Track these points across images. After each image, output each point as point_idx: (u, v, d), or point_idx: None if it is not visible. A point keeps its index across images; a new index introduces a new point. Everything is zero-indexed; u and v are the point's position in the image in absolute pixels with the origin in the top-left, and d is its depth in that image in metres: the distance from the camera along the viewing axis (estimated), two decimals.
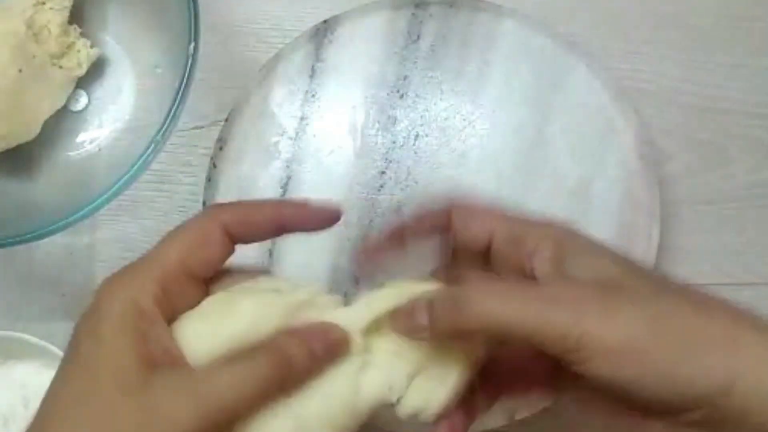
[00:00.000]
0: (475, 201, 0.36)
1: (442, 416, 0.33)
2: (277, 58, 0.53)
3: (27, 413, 0.48)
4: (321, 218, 0.37)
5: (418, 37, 0.54)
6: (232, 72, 0.54)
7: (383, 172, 0.53)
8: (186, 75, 0.45)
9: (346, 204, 0.52)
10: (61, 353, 0.45)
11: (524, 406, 0.49)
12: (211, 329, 0.32)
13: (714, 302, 0.31)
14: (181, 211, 0.53)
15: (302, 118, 0.53)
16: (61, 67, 0.51)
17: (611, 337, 0.29)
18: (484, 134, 0.53)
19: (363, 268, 0.36)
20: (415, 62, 0.53)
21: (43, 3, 0.50)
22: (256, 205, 0.36)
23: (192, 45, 0.45)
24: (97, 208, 0.44)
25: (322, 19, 0.54)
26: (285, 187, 0.52)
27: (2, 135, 0.49)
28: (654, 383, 0.29)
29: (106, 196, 0.44)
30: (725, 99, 0.56)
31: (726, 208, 0.55)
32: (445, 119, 0.53)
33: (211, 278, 0.34)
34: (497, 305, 0.30)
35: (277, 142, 0.53)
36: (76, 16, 0.52)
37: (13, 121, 0.49)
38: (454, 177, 0.52)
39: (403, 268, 0.36)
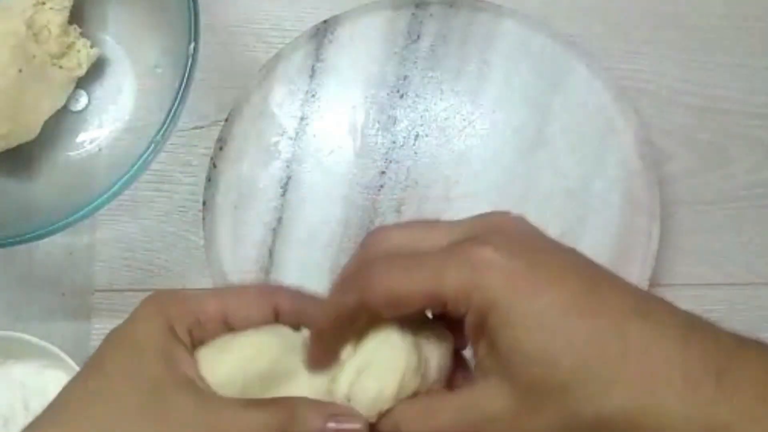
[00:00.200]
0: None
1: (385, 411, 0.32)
2: (277, 58, 0.53)
3: (27, 413, 0.48)
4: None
5: (418, 37, 0.54)
6: (232, 72, 0.54)
7: (383, 172, 0.53)
8: (186, 75, 0.45)
9: (346, 204, 0.52)
10: (61, 353, 0.45)
11: None
12: (220, 357, 0.33)
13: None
14: (181, 211, 0.53)
15: (302, 118, 0.53)
16: (61, 67, 0.51)
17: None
18: (484, 134, 0.53)
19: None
20: (415, 62, 0.54)
21: (43, 3, 0.50)
22: (311, 300, 0.35)
23: (192, 45, 0.45)
24: (97, 208, 0.44)
25: (322, 19, 0.54)
26: (285, 187, 0.52)
27: (2, 135, 0.49)
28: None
29: (106, 196, 0.44)
30: (725, 99, 0.56)
31: (726, 208, 0.55)
32: (445, 119, 0.53)
33: None
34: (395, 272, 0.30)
35: (277, 142, 0.53)
36: (76, 16, 0.52)
37: (14, 121, 0.49)
38: (454, 177, 0.52)
39: None
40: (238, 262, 0.51)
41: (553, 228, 0.51)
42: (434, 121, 0.53)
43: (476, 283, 0.29)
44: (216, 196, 0.52)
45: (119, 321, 0.53)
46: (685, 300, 0.55)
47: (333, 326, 0.32)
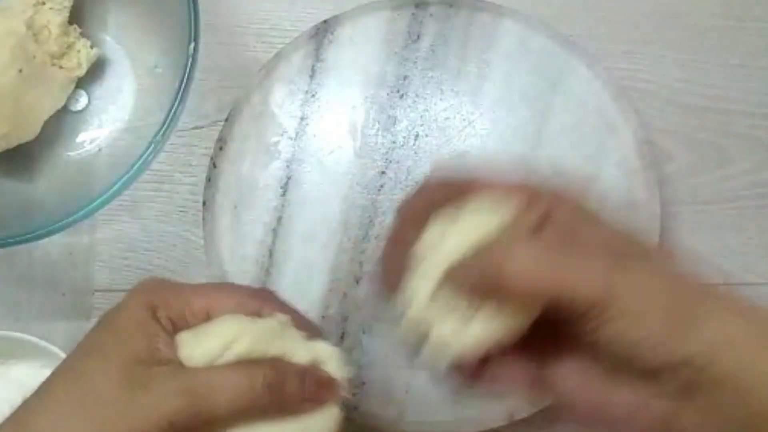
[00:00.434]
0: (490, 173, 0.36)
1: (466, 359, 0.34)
2: (278, 58, 0.53)
3: None
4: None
5: (418, 37, 0.54)
6: (232, 72, 0.54)
7: (383, 172, 0.53)
8: (186, 75, 0.45)
9: (346, 204, 0.52)
10: (61, 353, 0.45)
11: (524, 406, 0.49)
12: (202, 340, 0.34)
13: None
14: (181, 211, 0.53)
15: (302, 118, 0.53)
16: (61, 67, 0.51)
17: (637, 298, 0.30)
18: (484, 134, 0.53)
19: (390, 285, 0.36)
20: (415, 62, 0.54)
21: (43, 3, 0.50)
22: (299, 312, 0.38)
23: (192, 45, 0.45)
24: (97, 208, 0.44)
25: (322, 19, 0.54)
26: (285, 187, 0.52)
27: (3, 135, 0.49)
28: (659, 343, 0.30)
29: (106, 196, 0.44)
30: (725, 99, 0.56)
31: (726, 208, 0.55)
32: (445, 119, 0.53)
33: None
34: (534, 266, 0.31)
35: (277, 142, 0.53)
36: (76, 17, 0.52)
37: (14, 121, 0.49)
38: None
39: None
40: (238, 262, 0.51)
41: None
42: (434, 121, 0.53)
43: (611, 287, 0.30)
44: (216, 196, 0.52)
45: None
46: None
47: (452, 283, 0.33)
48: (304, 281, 0.51)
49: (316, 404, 0.34)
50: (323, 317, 0.51)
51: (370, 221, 0.52)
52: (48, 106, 0.51)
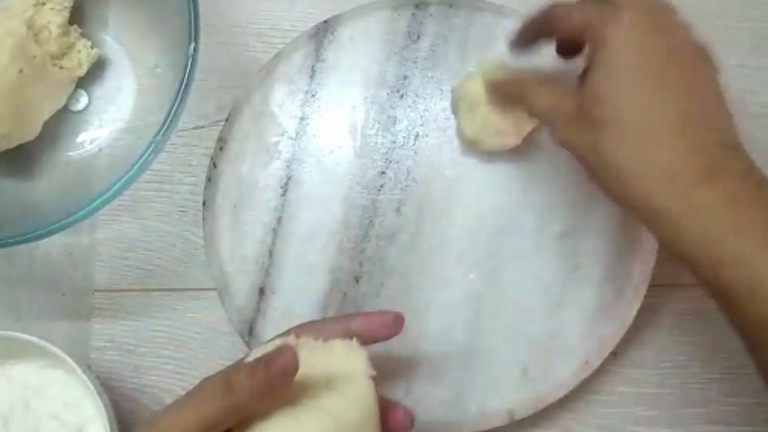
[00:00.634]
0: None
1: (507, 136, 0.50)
2: (278, 58, 0.53)
3: (27, 413, 0.48)
4: (386, 327, 0.43)
5: (418, 37, 0.54)
6: (233, 72, 0.55)
7: (383, 172, 0.53)
8: (186, 75, 0.45)
9: (346, 204, 0.52)
10: (61, 353, 0.45)
11: (524, 406, 0.49)
12: None
13: None
14: (181, 211, 0.53)
15: (302, 118, 0.53)
16: (61, 67, 0.51)
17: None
18: None
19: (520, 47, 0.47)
20: (415, 62, 0.54)
21: (44, 3, 0.50)
22: (325, 324, 0.43)
23: (192, 45, 0.45)
24: (98, 208, 0.44)
25: (322, 19, 0.54)
26: (285, 186, 0.52)
27: (3, 135, 0.49)
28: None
29: (106, 196, 0.44)
30: (725, 99, 0.56)
31: None
32: (445, 119, 0.53)
33: None
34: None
35: (277, 142, 0.53)
36: (77, 17, 0.52)
37: (14, 121, 0.49)
38: (454, 177, 0.52)
39: None
40: (238, 261, 0.51)
41: (553, 228, 0.52)
42: (434, 121, 0.53)
43: (604, 24, 0.38)
44: (216, 196, 0.52)
45: (119, 321, 0.53)
46: (685, 300, 0.55)
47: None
48: (304, 281, 0.51)
49: (281, 381, 0.36)
50: (323, 317, 0.51)
51: (370, 221, 0.52)
52: (48, 106, 0.51)
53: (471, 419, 0.50)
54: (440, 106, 0.53)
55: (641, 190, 0.37)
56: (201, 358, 0.52)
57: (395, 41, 0.54)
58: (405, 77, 0.53)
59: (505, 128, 0.50)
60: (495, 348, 0.50)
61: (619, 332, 0.51)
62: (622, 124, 0.37)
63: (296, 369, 0.35)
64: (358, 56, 0.53)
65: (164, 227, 0.53)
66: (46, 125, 0.51)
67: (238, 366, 0.37)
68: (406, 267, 0.52)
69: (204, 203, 0.52)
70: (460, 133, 0.52)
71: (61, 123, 0.53)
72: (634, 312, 0.51)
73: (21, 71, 0.48)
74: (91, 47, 0.52)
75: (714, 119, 0.38)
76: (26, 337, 0.46)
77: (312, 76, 0.53)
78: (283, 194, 0.52)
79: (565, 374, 0.50)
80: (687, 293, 0.54)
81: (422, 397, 0.50)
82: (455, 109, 0.52)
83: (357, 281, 0.51)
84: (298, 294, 0.51)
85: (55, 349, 0.46)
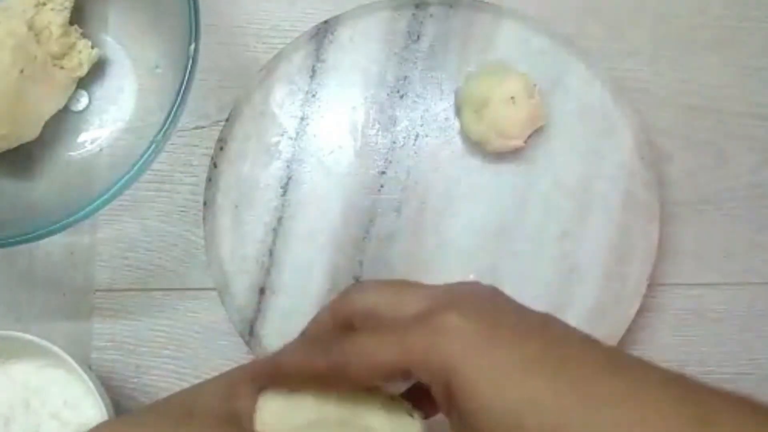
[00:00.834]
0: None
1: None
2: (278, 58, 0.53)
3: (28, 413, 0.48)
4: None
5: (418, 37, 0.54)
6: (233, 72, 0.55)
7: (383, 172, 0.53)
8: (186, 75, 0.45)
9: (346, 204, 0.52)
10: (61, 353, 0.45)
11: None
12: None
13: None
14: (181, 211, 0.54)
15: (303, 118, 0.53)
16: (62, 67, 0.51)
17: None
18: None
19: None
20: (415, 62, 0.54)
21: (44, 4, 0.50)
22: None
23: (192, 45, 0.45)
24: (98, 208, 0.44)
25: (322, 19, 0.54)
26: (285, 187, 0.52)
27: (4, 135, 0.49)
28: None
29: (106, 196, 0.44)
30: (725, 99, 0.56)
31: (726, 208, 0.55)
32: (445, 119, 0.53)
33: None
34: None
35: (277, 142, 0.53)
36: (77, 17, 0.52)
37: (15, 121, 0.49)
38: (454, 177, 0.53)
39: None
40: (238, 261, 0.51)
41: (553, 228, 0.52)
42: (434, 121, 0.53)
43: (436, 348, 0.29)
44: (216, 196, 0.52)
45: (120, 320, 0.53)
46: (685, 300, 0.55)
47: (301, 379, 0.33)
48: (304, 281, 0.51)
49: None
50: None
51: (370, 221, 0.52)
52: (49, 107, 0.51)
53: None
54: (440, 106, 0.53)
55: None
56: (201, 357, 0.52)
57: (395, 41, 0.54)
58: (405, 77, 0.53)
59: (510, 129, 0.50)
60: None
61: (619, 332, 0.51)
62: None
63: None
64: (359, 56, 0.53)
65: (165, 227, 0.53)
66: (47, 125, 0.51)
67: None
68: (406, 267, 0.52)
69: (204, 203, 0.52)
70: (465, 134, 0.52)
71: (61, 123, 0.53)
72: (633, 312, 0.51)
73: (22, 71, 0.48)
74: (92, 47, 0.52)
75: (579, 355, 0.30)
76: (27, 336, 0.46)
77: (312, 77, 0.53)
78: (284, 194, 0.52)
79: None
80: (687, 293, 0.54)
81: None
82: (459, 110, 0.52)
83: (357, 281, 0.52)
84: (299, 294, 0.51)
85: (55, 348, 0.46)
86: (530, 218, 0.52)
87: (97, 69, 0.53)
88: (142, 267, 0.53)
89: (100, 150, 0.53)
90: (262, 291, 0.51)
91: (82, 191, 0.48)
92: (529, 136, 0.51)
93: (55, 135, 0.53)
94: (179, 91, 0.45)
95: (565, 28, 0.55)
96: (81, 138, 0.53)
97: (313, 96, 0.53)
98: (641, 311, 0.51)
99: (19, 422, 0.48)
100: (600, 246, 0.52)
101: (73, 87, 0.52)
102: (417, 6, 0.54)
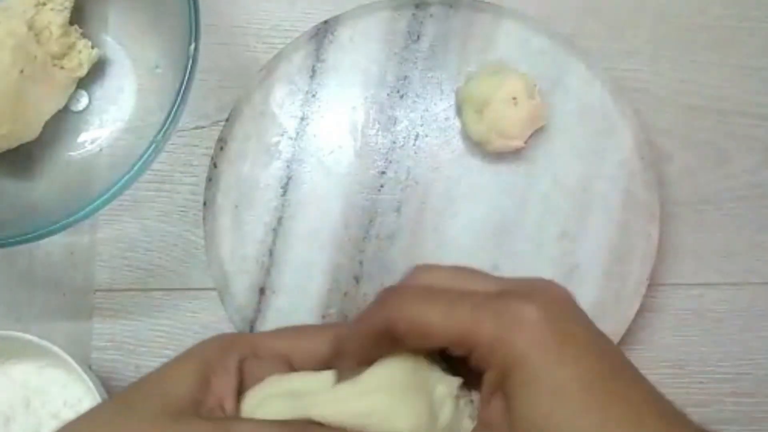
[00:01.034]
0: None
1: None
2: (278, 58, 0.53)
3: (28, 413, 0.48)
4: None
5: (418, 37, 0.54)
6: (233, 72, 0.55)
7: (383, 172, 0.53)
8: (186, 75, 0.45)
9: (346, 204, 0.52)
10: (61, 353, 0.45)
11: None
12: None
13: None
14: (181, 211, 0.54)
15: (303, 118, 0.53)
16: (62, 67, 0.51)
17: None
18: None
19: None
20: (415, 62, 0.54)
21: (44, 4, 0.50)
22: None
23: (192, 45, 0.45)
24: (98, 208, 0.44)
25: (322, 19, 0.54)
26: (285, 187, 0.52)
27: (4, 135, 0.49)
28: None
29: (106, 196, 0.44)
30: (725, 99, 0.56)
31: (726, 208, 0.55)
32: (445, 119, 0.53)
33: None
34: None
35: (277, 142, 0.53)
36: (77, 17, 0.52)
37: (15, 121, 0.49)
38: (454, 177, 0.53)
39: None
40: (238, 261, 0.51)
41: (553, 228, 0.52)
42: (434, 121, 0.53)
43: (509, 337, 0.28)
44: (216, 196, 0.52)
45: (120, 321, 0.53)
46: (685, 300, 0.55)
47: (357, 346, 0.32)
48: (304, 281, 0.51)
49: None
50: (323, 317, 0.51)
51: (370, 221, 0.52)
52: (49, 107, 0.51)
53: None
54: (440, 106, 0.53)
55: None
56: None
57: (395, 41, 0.54)
58: (405, 77, 0.53)
59: (511, 130, 0.50)
60: None
61: (618, 332, 0.51)
62: None
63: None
64: (359, 56, 0.53)
65: (165, 227, 0.53)
66: (47, 125, 0.51)
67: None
68: (406, 267, 0.52)
69: (204, 203, 0.52)
70: (465, 134, 0.52)
71: (61, 123, 0.53)
72: (633, 312, 0.51)
73: (22, 72, 0.48)
74: (92, 47, 0.52)
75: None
76: (27, 337, 0.46)
77: (312, 77, 0.53)
78: (284, 194, 0.52)
79: None
80: (687, 293, 0.54)
81: None
82: (459, 110, 0.52)
83: (357, 281, 0.52)
84: (299, 294, 0.51)
85: (55, 348, 0.46)
86: (530, 218, 0.52)
87: (97, 69, 0.53)
88: (142, 267, 0.53)
89: (100, 150, 0.53)
90: (262, 291, 0.51)
91: (82, 191, 0.48)
92: (530, 136, 0.51)
93: (55, 135, 0.53)
94: (179, 91, 0.45)
95: (565, 28, 0.55)
96: (81, 138, 0.53)
97: (313, 96, 0.53)
98: (641, 311, 0.51)
99: (19, 422, 0.48)
100: (600, 246, 0.52)
101: (73, 87, 0.52)
102: (417, 6, 0.54)
